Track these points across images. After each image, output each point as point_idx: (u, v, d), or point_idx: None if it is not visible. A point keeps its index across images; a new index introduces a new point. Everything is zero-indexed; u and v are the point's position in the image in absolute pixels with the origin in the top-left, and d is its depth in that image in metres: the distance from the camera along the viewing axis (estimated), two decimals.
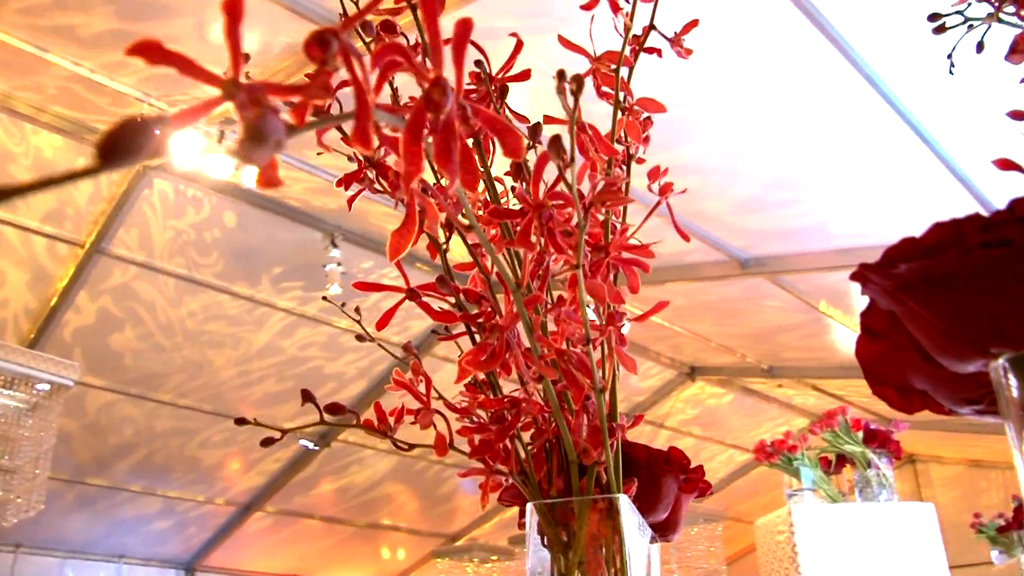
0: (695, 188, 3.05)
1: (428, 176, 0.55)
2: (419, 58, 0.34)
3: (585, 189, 0.52)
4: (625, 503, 0.54)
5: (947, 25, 0.61)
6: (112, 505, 4.75)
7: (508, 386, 0.62)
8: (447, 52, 0.32)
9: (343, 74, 0.28)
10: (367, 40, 0.57)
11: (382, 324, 0.56)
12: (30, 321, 3.56)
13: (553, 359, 0.51)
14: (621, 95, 0.61)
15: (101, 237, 3.29)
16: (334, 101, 0.47)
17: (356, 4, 0.60)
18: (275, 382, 4.25)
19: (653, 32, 0.65)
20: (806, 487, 2.44)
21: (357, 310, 0.69)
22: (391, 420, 0.56)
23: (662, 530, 0.66)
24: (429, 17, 0.28)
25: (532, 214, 0.45)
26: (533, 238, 0.48)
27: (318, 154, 0.53)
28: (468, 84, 0.56)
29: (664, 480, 0.63)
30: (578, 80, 0.40)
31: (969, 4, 0.60)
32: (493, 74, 0.56)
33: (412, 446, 0.57)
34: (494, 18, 2.38)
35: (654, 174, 0.59)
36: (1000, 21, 0.57)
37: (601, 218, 0.56)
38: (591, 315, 0.53)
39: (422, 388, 0.61)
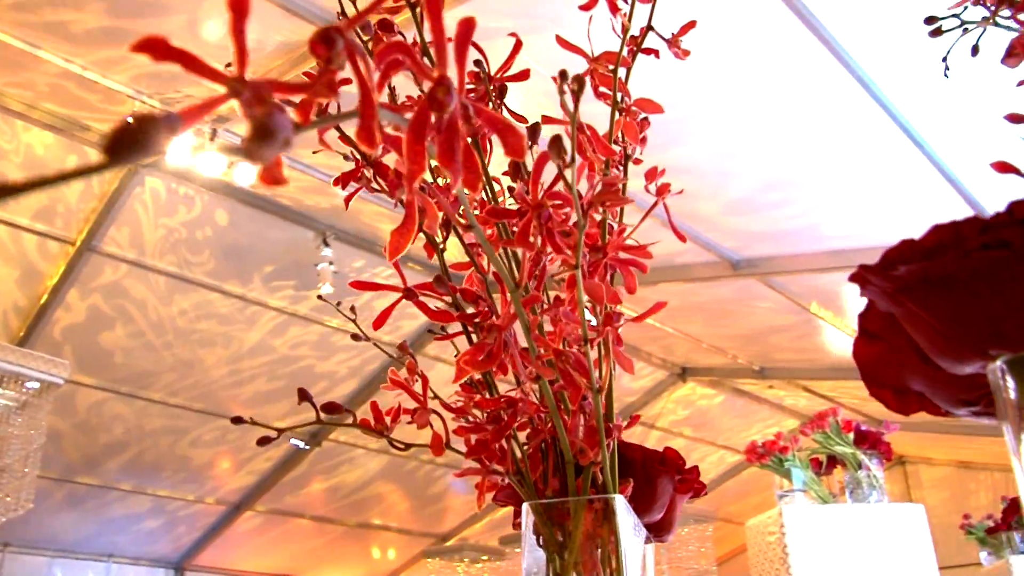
0: (687, 189, 3.05)
1: (426, 175, 0.55)
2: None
3: (582, 189, 0.52)
4: (621, 503, 0.54)
5: (943, 28, 0.61)
6: (102, 504, 4.73)
7: (503, 386, 0.62)
8: (449, 51, 0.32)
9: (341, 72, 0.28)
10: (365, 39, 0.57)
11: (379, 323, 0.56)
12: (20, 319, 3.54)
13: (550, 359, 0.51)
14: (618, 96, 0.61)
15: (92, 235, 3.27)
16: (332, 100, 0.47)
17: (354, 3, 0.59)
18: (266, 381, 4.24)
19: (650, 33, 0.65)
20: (797, 488, 2.45)
21: (353, 309, 0.69)
22: (387, 420, 0.56)
23: (657, 531, 0.66)
24: (433, 16, 0.28)
25: (531, 214, 0.45)
26: (531, 238, 0.48)
27: (314, 152, 0.52)
28: (467, 84, 0.56)
29: (660, 481, 0.63)
30: (579, 80, 0.40)
31: (965, 7, 0.60)
32: (491, 74, 0.56)
33: (408, 446, 0.57)
34: (488, 18, 2.38)
35: (651, 175, 0.59)
36: (996, 25, 0.57)
37: (598, 218, 0.56)
38: (587, 315, 0.53)
39: (417, 388, 0.61)
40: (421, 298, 0.59)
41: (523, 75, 0.54)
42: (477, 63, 0.56)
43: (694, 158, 2.87)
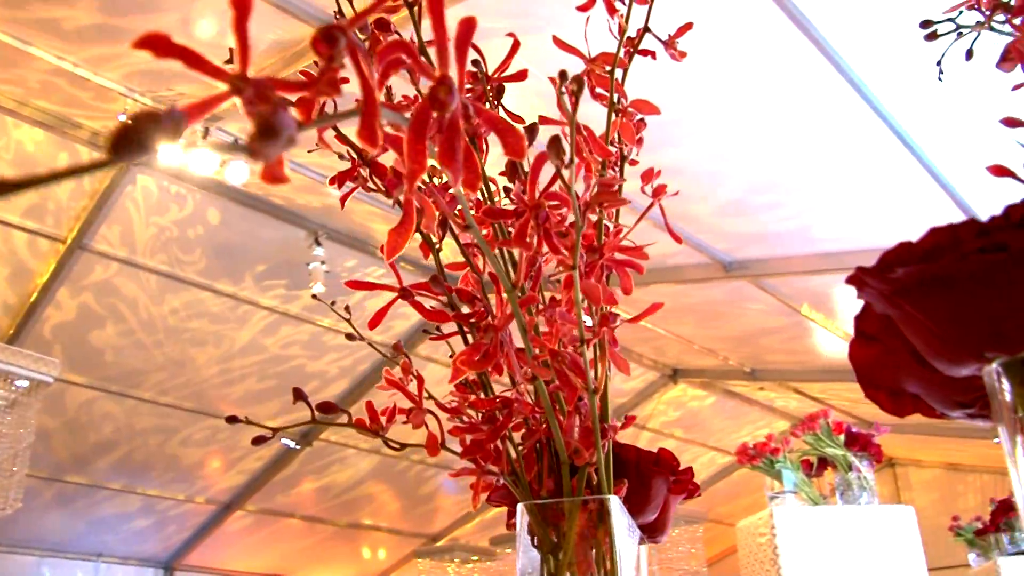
0: (679, 191, 3.06)
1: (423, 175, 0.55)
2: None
3: (579, 190, 0.51)
4: (616, 504, 0.54)
5: (938, 32, 0.62)
6: (91, 503, 4.71)
7: (497, 387, 0.62)
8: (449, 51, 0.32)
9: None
10: (362, 38, 0.57)
11: (374, 323, 0.56)
12: (9, 317, 3.53)
13: (545, 360, 0.51)
14: (615, 97, 0.61)
15: (83, 233, 3.26)
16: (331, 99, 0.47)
17: (351, 3, 0.59)
18: (257, 380, 4.23)
19: (647, 35, 0.65)
20: (788, 489, 2.45)
21: (347, 309, 0.68)
22: (382, 420, 0.56)
23: (650, 531, 0.66)
24: (435, 16, 0.27)
25: (528, 214, 0.45)
26: (528, 239, 0.48)
27: (309, 151, 0.52)
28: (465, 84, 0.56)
29: (654, 481, 0.63)
30: (578, 81, 0.40)
31: (960, 12, 0.61)
32: (489, 74, 0.56)
33: (404, 445, 0.57)
34: (483, 18, 2.37)
35: (648, 176, 0.59)
36: (991, 29, 0.57)
37: (594, 219, 0.56)
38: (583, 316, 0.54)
39: (412, 388, 0.61)
40: (416, 298, 0.59)
41: (521, 75, 0.54)
42: (475, 63, 0.56)
43: (686, 159, 2.87)
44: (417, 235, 0.63)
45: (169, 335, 3.84)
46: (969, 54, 0.68)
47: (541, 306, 0.52)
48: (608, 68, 0.59)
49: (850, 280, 0.39)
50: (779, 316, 4.10)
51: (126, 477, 4.64)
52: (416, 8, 0.56)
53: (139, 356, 3.90)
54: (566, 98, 0.42)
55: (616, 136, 0.61)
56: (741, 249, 3.58)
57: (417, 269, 3.72)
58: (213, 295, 3.72)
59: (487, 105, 0.57)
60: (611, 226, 0.59)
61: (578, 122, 0.53)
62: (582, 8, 0.59)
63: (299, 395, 0.53)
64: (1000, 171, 0.41)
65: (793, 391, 5.12)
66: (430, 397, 0.59)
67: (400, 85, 0.56)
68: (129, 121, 0.18)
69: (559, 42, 0.57)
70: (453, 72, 0.31)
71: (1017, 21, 0.55)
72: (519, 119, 0.51)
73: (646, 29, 0.62)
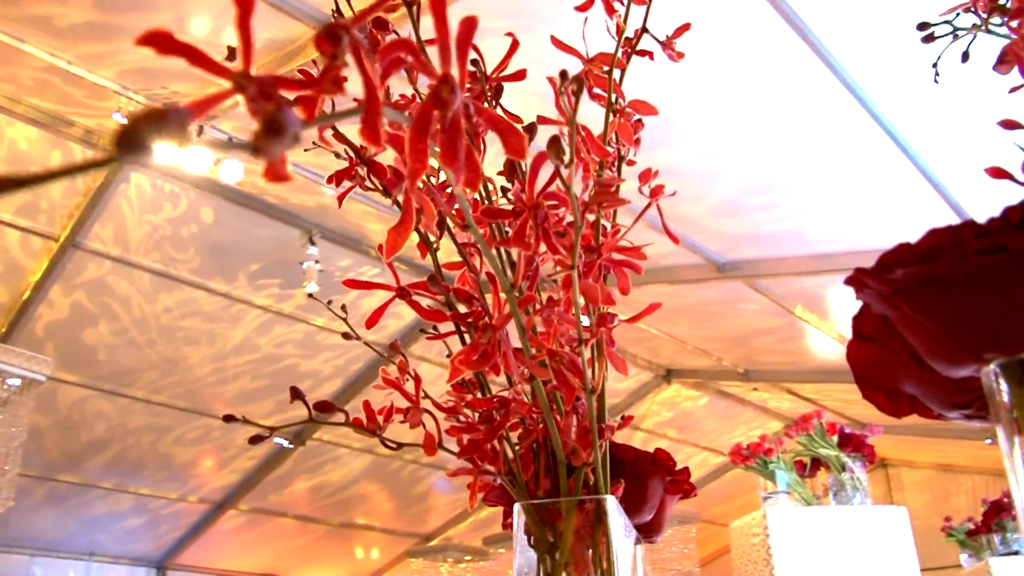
0: (674, 191, 3.06)
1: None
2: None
3: (577, 190, 0.51)
4: (613, 504, 0.54)
5: (935, 35, 0.62)
6: (83, 502, 4.70)
7: (494, 387, 0.62)
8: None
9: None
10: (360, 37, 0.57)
11: (371, 322, 0.56)
12: (1, 315, 3.51)
13: (543, 360, 0.51)
14: (612, 97, 0.61)
15: (76, 231, 3.25)
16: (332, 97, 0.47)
17: (349, 2, 0.59)
18: (250, 379, 4.23)
19: (644, 35, 0.65)
20: (781, 490, 2.46)
21: (344, 308, 0.68)
22: (380, 419, 0.56)
23: (646, 531, 0.66)
24: (438, 15, 0.27)
25: (527, 214, 0.45)
26: (526, 238, 0.48)
27: (305, 150, 0.52)
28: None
29: (651, 482, 0.63)
30: (578, 81, 0.40)
31: (957, 14, 0.61)
32: (488, 74, 0.56)
33: (401, 445, 0.57)
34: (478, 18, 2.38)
35: (645, 176, 0.59)
36: (989, 32, 0.57)
37: (591, 219, 0.56)
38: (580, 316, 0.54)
39: (408, 387, 0.61)
40: (413, 297, 0.59)
41: (519, 75, 0.54)
42: (473, 63, 0.56)
43: (680, 160, 2.87)
44: (413, 234, 0.63)
45: (162, 334, 3.83)
46: (965, 56, 0.68)
47: (538, 306, 0.52)
48: (606, 68, 0.59)
49: (849, 281, 0.39)
50: (773, 317, 4.11)
51: (118, 476, 4.63)
52: (415, 7, 0.56)
53: (132, 355, 3.89)
54: (566, 98, 0.42)
55: (614, 136, 0.61)
56: (735, 250, 3.58)
57: (411, 269, 3.71)
58: (207, 294, 3.71)
59: (485, 105, 0.57)
60: (608, 226, 0.59)
61: (579, 123, 0.53)
62: (580, 8, 0.59)
63: (296, 394, 0.53)
64: (998, 173, 0.41)
65: (786, 392, 5.13)
66: (426, 396, 0.59)
67: (396, 84, 0.56)
68: (134, 119, 0.18)
69: (557, 42, 0.57)
70: (454, 71, 0.31)
71: (1014, 24, 0.55)
72: (517, 119, 0.51)
73: (644, 29, 0.62)
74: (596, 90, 0.61)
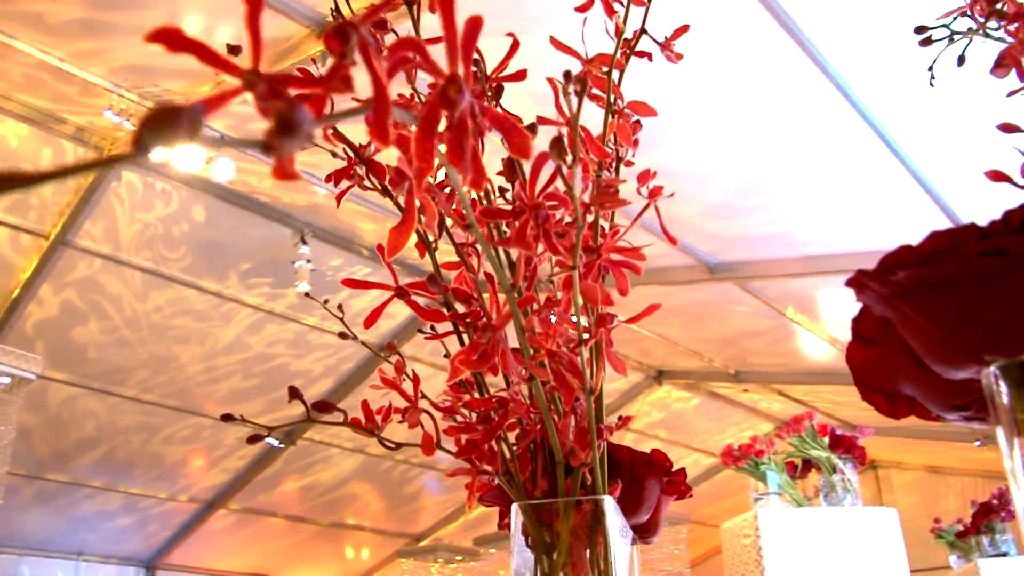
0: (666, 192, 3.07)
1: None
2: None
3: (576, 191, 0.51)
4: (610, 504, 0.54)
5: (933, 38, 0.62)
6: (72, 501, 4.68)
7: (489, 387, 0.62)
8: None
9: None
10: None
11: (370, 322, 0.56)
12: None
13: (542, 360, 0.51)
14: (611, 98, 0.61)
15: (67, 229, 3.24)
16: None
17: (348, 2, 0.59)
18: (241, 379, 4.21)
19: (642, 36, 0.65)
20: (772, 491, 2.47)
21: (340, 308, 0.68)
22: (378, 419, 0.56)
23: (642, 532, 0.66)
24: (446, 14, 0.27)
25: (528, 214, 0.45)
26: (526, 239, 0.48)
27: (303, 148, 0.51)
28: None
29: (647, 482, 0.63)
30: (582, 82, 0.40)
31: (955, 18, 0.61)
32: (488, 74, 0.56)
33: (399, 445, 0.57)
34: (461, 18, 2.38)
35: (644, 177, 0.59)
36: (987, 36, 0.58)
37: (589, 219, 0.56)
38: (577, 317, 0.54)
39: (404, 387, 0.61)
40: (410, 297, 0.59)
41: (520, 75, 0.54)
42: (474, 63, 0.56)
43: (672, 161, 2.88)
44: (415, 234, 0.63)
45: (153, 332, 3.82)
46: (961, 60, 0.68)
47: (537, 306, 0.52)
48: (605, 69, 0.59)
49: (850, 283, 0.39)
50: (764, 318, 4.12)
51: (108, 475, 4.61)
52: (415, 6, 0.56)
53: (122, 353, 3.87)
54: (571, 98, 0.42)
55: (612, 137, 0.61)
56: (726, 251, 3.59)
57: (402, 268, 3.71)
58: (198, 293, 3.70)
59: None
60: (607, 227, 0.59)
61: (579, 124, 0.53)
62: (580, 9, 0.59)
63: (295, 394, 0.53)
64: (998, 176, 0.41)
65: (777, 393, 5.14)
66: (424, 397, 0.59)
67: (393, 84, 0.56)
68: (148, 116, 0.18)
69: (557, 43, 0.57)
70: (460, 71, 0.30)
71: (1013, 28, 0.55)
72: (517, 119, 0.51)
73: (643, 31, 0.62)
74: (595, 91, 0.61)
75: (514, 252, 0.56)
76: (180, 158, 2.89)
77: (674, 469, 0.68)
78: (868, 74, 2.52)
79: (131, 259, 3.47)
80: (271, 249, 3.56)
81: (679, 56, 0.63)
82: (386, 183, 0.57)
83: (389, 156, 0.64)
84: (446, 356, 0.62)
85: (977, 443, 5.02)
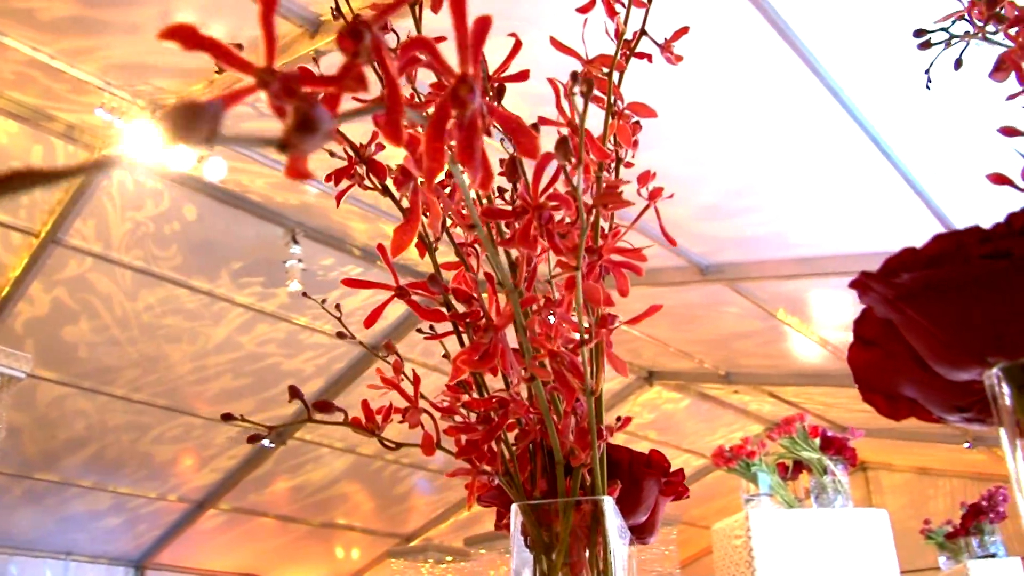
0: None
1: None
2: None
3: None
4: (610, 505, 0.54)
5: (932, 42, 0.62)
6: (61, 501, 4.66)
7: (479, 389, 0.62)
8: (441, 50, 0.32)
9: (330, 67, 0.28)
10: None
11: (370, 322, 0.56)
12: None
13: (542, 361, 0.51)
14: (610, 99, 0.61)
15: (57, 227, 3.22)
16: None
17: (348, 2, 0.59)
18: (232, 378, 4.20)
19: (642, 38, 0.65)
20: (763, 492, 2.47)
21: (338, 307, 0.68)
22: (378, 419, 0.55)
23: (640, 533, 0.66)
24: (457, 13, 0.27)
25: (532, 215, 0.45)
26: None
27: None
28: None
29: (646, 483, 0.63)
30: (589, 83, 0.40)
31: (953, 22, 0.61)
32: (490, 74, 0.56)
33: (400, 445, 0.57)
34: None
35: (644, 178, 0.59)
36: (987, 40, 0.58)
37: (590, 219, 0.56)
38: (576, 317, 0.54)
39: (402, 387, 0.61)
40: (410, 297, 0.58)
41: (522, 76, 0.54)
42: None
43: (665, 163, 2.88)
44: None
45: (143, 331, 3.81)
46: (958, 64, 0.69)
47: (538, 307, 0.52)
48: (605, 70, 0.59)
49: (853, 284, 0.39)
50: (754, 320, 4.13)
51: (97, 474, 4.59)
52: (417, 6, 0.55)
53: (112, 352, 3.86)
54: (577, 99, 0.42)
55: (612, 138, 0.61)
56: (718, 253, 3.60)
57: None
58: (188, 292, 3.69)
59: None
60: (606, 227, 0.59)
61: (576, 124, 0.53)
62: (582, 10, 0.59)
63: (295, 393, 0.53)
64: (1000, 179, 0.41)
65: (767, 395, 5.15)
66: (423, 397, 0.59)
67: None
68: (171, 112, 0.18)
69: (557, 44, 0.57)
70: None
71: (1013, 31, 0.55)
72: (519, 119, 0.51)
73: (643, 32, 0.62)
74: (595, 92, 0.61)
75: (512, 253, 0.56)
76: (172, 157, 2.88)
77: (677, 470, 0.68)
78: (860, 77, 2.53)
79: (122, 258, 3.45)
80: (262, 248, 3.55)
81: (679, 58, 0.63)
82: (386, 183, 0.56)
83: (387, 156, 0.64)
84: (445, 356, 0.62)
85: (966, 445, 5.05)
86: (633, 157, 0.63)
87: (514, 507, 0.55)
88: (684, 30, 0.63)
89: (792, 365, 4.69)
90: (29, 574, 4.90)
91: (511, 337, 0.53)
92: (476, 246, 0.60)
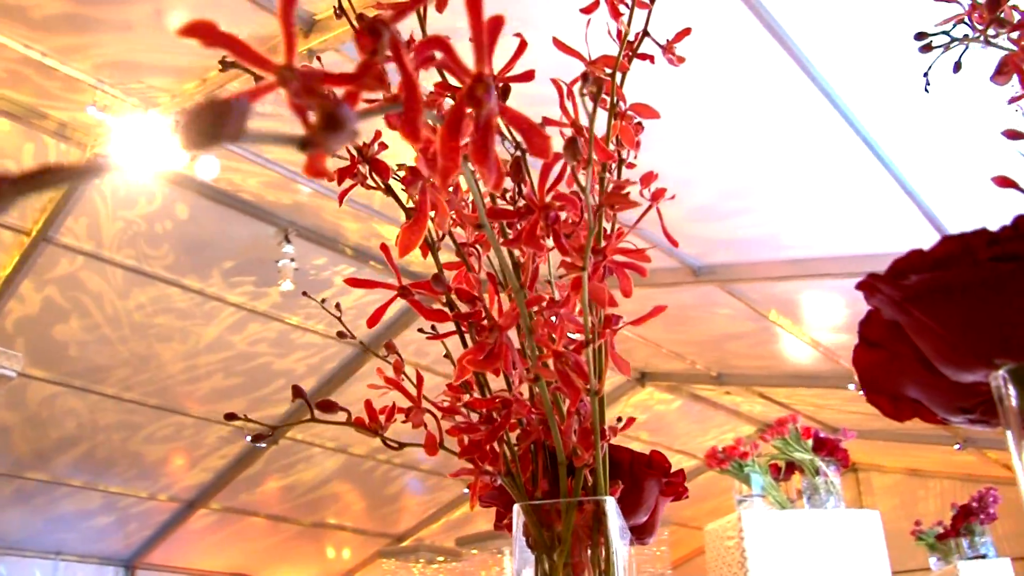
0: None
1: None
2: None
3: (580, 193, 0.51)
4: (612, 505, 0.54)
5: (933, 45, 0.63)
6: (51, 500, 4.63)
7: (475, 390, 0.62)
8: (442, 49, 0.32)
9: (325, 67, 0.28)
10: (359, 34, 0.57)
11: (373, 322, 0.56)
12: None
13: (545, 361, 0.51)
14: (613, 100, 0.61)
15: (48, 225, 3.20)
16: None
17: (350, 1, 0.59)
18: (223, 377, 4.19)
19: (642, 39, 0.65)
20: (756, 493, 2.48)
21: (338, 306, 0.68)
22: (381, 419, 0.55)
23: (639, 533, 0.66)
24: (473, 12, 0.27)
25: (538, 215, 0.45)
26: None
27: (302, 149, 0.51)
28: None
29: (647, 483, 0.63)
30: (599, 84, 0.40)
31: (954, 25, 0.62)
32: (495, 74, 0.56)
33: (403, 445, 0.57)
34: (453, 18, 2.37)
35: (647, 179, 0.59)
36: (988, 43, 0.58)
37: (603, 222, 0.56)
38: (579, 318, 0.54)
39: (394, 386, 0.61)
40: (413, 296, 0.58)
41: (527, 76, 0.54)
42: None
43: (658, 164, 2.86)
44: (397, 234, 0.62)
45: (135, 330, 3.79)
46: (957, 67, 0.69)
47: (542, 307, 0.52)
48: (608, 71, 0.59)
49: (861, 286, 0.39)
50: (746, 321, 4.14)
51: (88, 474, 4.57)
52: (421, 5, 0.55)
53: (103, 351, 3.84)
54: (586, 100, 0.42)
55: (615, 139, 0.61)
56: (710, 254, 3.60)
57: (385, 268, 3.70)
58: (180, 291, 3.67)
59: None
60: (608, 227, 0.59)
61: (583, 125, 0.53)
62: (586, 10, 0.59)
63: (298, 393, 0.53)
64: (1005, 183, 0.41)
65: (758, 396, 5.17)
66: (425, 398, 0.59)
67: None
68: (196, 110, 0.18)
69: (560, 44, 0.57)
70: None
71: (1015, 35, 0.56)
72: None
73: (645, 33, 0.62)
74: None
75: (514, 253, 0.56)
76: (163, 155, 2.87)
77: (678, 471, 0.68)
78: (853, 78, 2.54)
79: (113, 256, 3.44)
80: (254, 248, 3.54)
81: (681, 59, 0.63)
82: (389, 183, 0.56)
83: (386, 156, 0.63)
84: (446, 356, 0.62)
85: (957, 446, 5.07)
86: (635, 158, 0.63)
87: (516, 507, 0.55)
88: (687, 31, 0.63)
89: (783, 366, 4.70)
90: (18, 574, 4.88)
91: (512, 337, 0.53)
92: (477, 246, 0.60)
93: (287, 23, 0.23)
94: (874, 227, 3.21)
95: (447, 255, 0.62)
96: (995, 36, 0.58)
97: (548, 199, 0.46)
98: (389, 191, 0.56)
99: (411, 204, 0.54)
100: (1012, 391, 0.37)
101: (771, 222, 3.33)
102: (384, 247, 0.51)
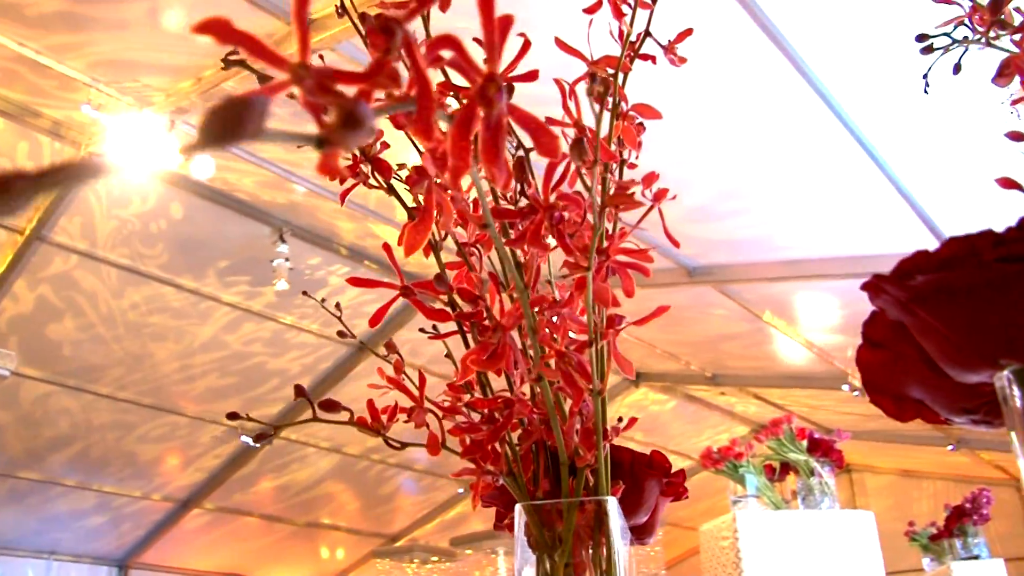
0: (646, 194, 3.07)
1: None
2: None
3: (585, 193, 0.51)
4: (614, 505, 0.54)
5: (934, 46, 0.63)
6: (44, 500, 4.62)
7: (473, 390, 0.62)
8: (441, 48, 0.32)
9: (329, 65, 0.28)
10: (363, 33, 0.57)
11: (375, 321, 0.56)
12: None
13: (548, 361, 0.51)
14: (615, 100, 0.61)
15: (42, 224, 3.19)
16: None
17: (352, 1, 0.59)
18: (217, 377, 4.18)
19: (644, 39, 0.65)
20: (750, 494, 2.48)
21: (338, 306, 0.68)
22: (383, 418, 0.55)
23: (639, 533, 0.67)
24: (484, 11, 0.27)
25: (543, 214, 0.45)
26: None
27: (299, 147, 0.51)
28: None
29: (647, 484, 0.63)
30: (605, 85, 0.40)
31: (955, 27, 0.62)
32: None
33: (405, 445, 0.56)
34: (454, 18, 2.37)
35: (649, 179, 0.59)
36: (990, 45, 0.58)
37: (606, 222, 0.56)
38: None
39: (393, 387, 0.61)
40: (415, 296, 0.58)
41: (531, 76, 0.54)
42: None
43: (653, 165, 2.88)
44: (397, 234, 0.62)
45: (129, 330, 3.78)
46: (957, 68, 0.69)
47: (545, 307, 0.52)
48: (610, 71, 0.59)
49: (866, 286, 0.39)
50: (741, 322, 4.15)
51: (81, 473, 4.56)
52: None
53: (98, 350, 3.83)
54: (592, 100, 0.42)
55: (617, 139, 0.61)
56: (705, 255, 3.61)
57: (381, 268, 3.70)
58: (175, 290, 3.67)
59: None
60: (610, 227, 0.59)
61: (585, 125, 0.53)
62: (589, 10, 0.59)
63: (300, 392, 0.53)
64: (1009, 184, 0.41)
65: (753, 396, 5.17)
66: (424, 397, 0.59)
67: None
68: (217, 107, 0.18)
69: (561, 44, 0.57)
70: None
71: (1017, 37, 0.56)
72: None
73: (647, 33, 0.63)
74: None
75: (516, 252, 0.56)
76: (158, 154, 2.86)
77: (678, 471, 0.68)
78: (848, 80, 2.55)
79: (107, 255, 3.43)
80: (249, 247, 3.53)
81: (683, 60, 0.63)
82: (391, 182, 0.56)
83: (386, 156, 0.63)
84: (448, 356, 0.62)
85: (950, 447, 5.08)
86: (637, 158, 0.63)
87: (518, 507, 0.55)
88: (688, 31, 0.63)
89: (778, 367, 4.71)
90: (11, 574, 4.86)
91: (514, 337, 0.53)
92: (479, 246, 0.60)
93: (301, 21, 0.23)
94: (869, 229, 3.21)
95: (446, 255, 0.62)
96: (996, 38, 0.58)
97: (552, 199, 0.46)
98: (391, 191, 0.56)
99: (413, 204, 0.54)
100: (1017, 392, 0.38)
101: (766, 223, 3.34)
102: (386, 247, 0.51)
